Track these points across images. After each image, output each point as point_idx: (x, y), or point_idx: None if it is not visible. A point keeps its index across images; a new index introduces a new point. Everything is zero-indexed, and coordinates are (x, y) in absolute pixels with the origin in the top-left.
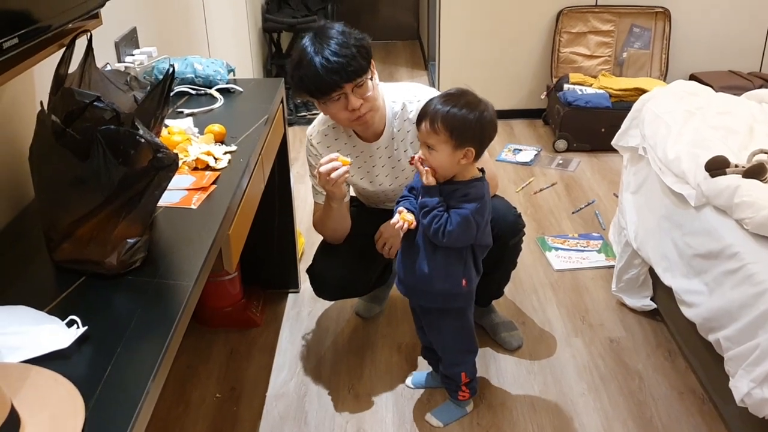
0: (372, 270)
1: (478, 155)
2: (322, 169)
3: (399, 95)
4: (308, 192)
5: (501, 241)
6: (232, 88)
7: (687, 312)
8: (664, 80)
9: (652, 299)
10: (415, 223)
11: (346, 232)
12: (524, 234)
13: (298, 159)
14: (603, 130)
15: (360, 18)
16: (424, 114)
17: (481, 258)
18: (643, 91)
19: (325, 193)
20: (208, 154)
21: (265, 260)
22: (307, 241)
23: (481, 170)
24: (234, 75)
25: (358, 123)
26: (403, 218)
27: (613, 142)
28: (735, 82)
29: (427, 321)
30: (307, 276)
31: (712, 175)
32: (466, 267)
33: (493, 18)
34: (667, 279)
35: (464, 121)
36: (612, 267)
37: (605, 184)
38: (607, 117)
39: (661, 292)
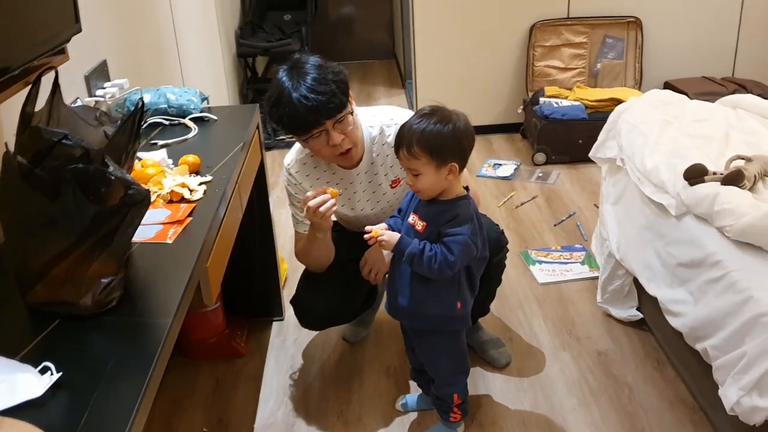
0: (357, 296)
1: (462, 167)
2: (312, 203)
3: (375, 119)
4: (289, 217)
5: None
6: (206, 116)
7: (673, 322)
8: (639, 89)
9: (638, 309)
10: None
11: (330, 261)
12: (507, 251)
13: (278, 183)
14: (580, 141)
15: (335, 39)
16: (400, 140)
17: (479, 274)
18: (619, 101)
19: (307, 222)
20: (183, 185)
21: (247, 288)
22: (290, 267)
23: (466, 188)
24: (208, 103)
25: (342, 159)
26: (374, 233)
27: (590, 154)
28: (709, 88)
29: (419, 342)
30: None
31: (691, 184)
32: (459, 289)
33: (467, 34)
34: (651, 289)
35: (440, 137)
36: (596, 278)
37: (585, 195)
38: (583, 128)
39: (647, 302)
